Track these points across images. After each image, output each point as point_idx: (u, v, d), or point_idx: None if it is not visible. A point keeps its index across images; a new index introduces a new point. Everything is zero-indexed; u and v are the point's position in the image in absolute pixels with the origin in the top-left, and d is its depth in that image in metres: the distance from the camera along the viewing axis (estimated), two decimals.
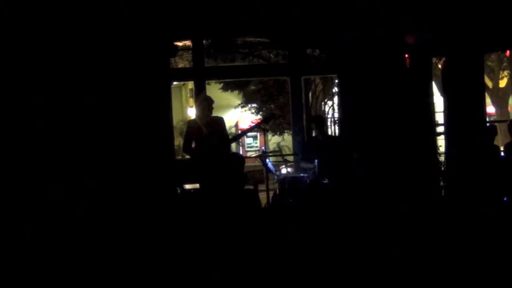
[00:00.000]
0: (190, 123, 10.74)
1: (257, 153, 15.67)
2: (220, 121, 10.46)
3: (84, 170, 4.08)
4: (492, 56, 22.33)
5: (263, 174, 11.84)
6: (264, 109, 25.56)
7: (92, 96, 3.96)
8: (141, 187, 4.11)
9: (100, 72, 3.89)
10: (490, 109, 24.00)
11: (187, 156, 10.89)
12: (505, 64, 22.95)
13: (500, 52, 17.84)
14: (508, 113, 23.38)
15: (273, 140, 27.23)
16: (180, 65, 17.13)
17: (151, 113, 4.04)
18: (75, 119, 3.97)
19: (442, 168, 11.57)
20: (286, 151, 22.54)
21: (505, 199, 10.13)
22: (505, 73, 23.67)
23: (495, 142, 12.50)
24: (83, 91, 3.91)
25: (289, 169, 11.94)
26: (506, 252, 7.15)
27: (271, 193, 11.17)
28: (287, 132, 24.18)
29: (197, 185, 10.44)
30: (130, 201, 4.11)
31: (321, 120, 12.09)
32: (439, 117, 13.57)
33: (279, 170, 11.71)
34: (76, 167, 4.04)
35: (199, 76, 13.18)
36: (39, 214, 4.19)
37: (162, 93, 4.06)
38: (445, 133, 11.63)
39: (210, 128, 10.26)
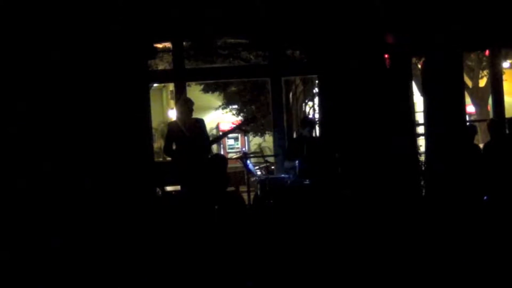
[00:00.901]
0: (171, 125, 10.73)
1: (238, 154, 15.65)
2: (200, 123, 10.47)
3: (59, 172, 4.04)
4: (472, 55, 22.44)
5: (244, 176, 11.84)
6: (245, 110, 25.54)
7: (69, 99, 3.93)
8: (120, 189, 4.08)
9: (78, 74, 3.86)
10: (470, 108, 24.11)
11: (168, 158, 10.88)
12: (484, 63, 23.06)
13: (479, 51, 17.92)
14: (488, 112, 23.47)
15: (254, 141, 27.23)
16: (160, 67, 17.06)
17: (130, 115, 4.01)
18: (51, 122, 3.93)
19: (423, 168, 11.61)
20: (267, 152, 22.54)
21: (485, 198, 10.18)
22: (485, 72, 23.78)
23: (475, 142, 12.57)
24: (59, 94, 3.88)
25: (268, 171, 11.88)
26: (486, 250, 7.18)
27: (252, 194, 11.17)
28: (268, 133, 24.17)
29: (178, 187, 10.42)
30: (108, 203, 4.08)
31: (313, 124, 12.08)
32: (419, 117, 13.62)
33: (259, 171, 11.68)
34: (50, 169, 4.00)
35: (180, 78, 13.14)
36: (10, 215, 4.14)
37: (141, 95, 4.03)
38: (425, 133, 11.66)
39: (191, 130, 10.27)
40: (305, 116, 16.64)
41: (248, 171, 11.39)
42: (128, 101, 3.81)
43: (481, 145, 12.64)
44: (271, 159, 13.21)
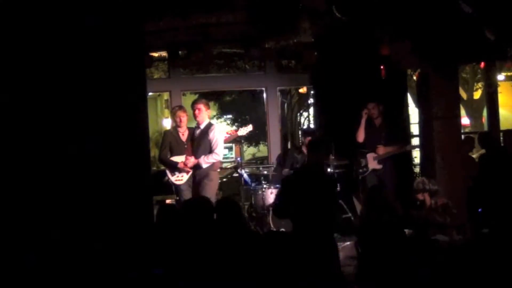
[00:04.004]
0: (167, 134, 10.79)
1: (233, 164, 15.61)
2: (205, 131, 10.59)
3: (53, 182, 3.98)
4: (467, 68, 22.48)
5: (238, 186, 11.81)
6: (239, 120, 25.55)
7: (63, 108, 3.88)
8: (116, 200, 4.03)
9: (73, 83, 3.83)
10: (465, 120, 24.15)
11: (162, 167, 10.87)
12: (479, 76, 23.10)
13: (474, 64, 17.94)
14: (482, 124, 23.53)
15: (249, 151, 27.20)
16: (156, 76, 17.06)
17: (127, 125, 3.98)
18: (47, 131, 3.88)
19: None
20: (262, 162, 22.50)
21: (479, 210, 10.16)
22: (479, 85, 23.83)
23: (472, 154, 12.57)
24: (54, 102, 3.84)
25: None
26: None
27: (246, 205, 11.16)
28: (263, 143, 24.16)
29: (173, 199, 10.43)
30: (103, 214, 4.03)
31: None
32: (414, 129, 13.62)
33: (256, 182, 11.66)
34: (44, 178, 3.94)
35: (175, 87, 13.15)
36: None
37: (138, 104, 4.01)
38: (420, 144, 11.65)
39: (190, 138, 10.38)
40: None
41: (244, 182, 11.37)
42: (126, 110, 3.79)
43: (474, 156, 12.65)
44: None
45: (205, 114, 10.15)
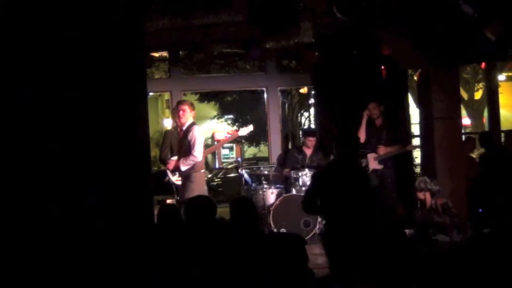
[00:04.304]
0: (167, 134, 10.80)
1: (233, 164, 15.63)
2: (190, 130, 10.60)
3: (53, 183, 3.97)
4: (468, 68, 22.49)
5: (239, 186, 11.82)
6: (240, 120, 25.58)
7: (65, 108, 3.88)
8: (116, 200, 4.02)
9: (72, 83, 3.83)
10: (466, 121, 24.16)
11: (163, 167, 10.88)
12: (480, 76, 23.11)
13: (475, 64, 17.95)
14: (483, 125, 23.54)
15: (249, 151, 27.24)
16: (157, 76, 17.07)
17: (127, 125, 3.97)
18: (46, 131, 3.88)
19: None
20: (263, 162, 22.51)
21: (480, 210, 10.16)
22: (480, 85, 23.85)
23: (472, 154, 12.57)
24: (54, 103, 3.84)
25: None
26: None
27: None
28: (263, 143, 24.18)
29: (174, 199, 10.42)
30: (103, 214, 4.02)
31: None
32: (415, 129, 13.62)
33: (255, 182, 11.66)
34: (45, 179, 3.93)
35: (175, 87, 13.16)
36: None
37: (139, 104, 4.01)
38: (421, 145, 11.65)
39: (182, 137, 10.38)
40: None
41: (245, 182, 11.37)
42: (126, 111, 3.79)
43: (473, 155, 12.64)
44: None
45: (189, 115, 10.02)
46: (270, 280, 5.43)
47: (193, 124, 9.93)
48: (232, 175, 19.59)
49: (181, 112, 9.95)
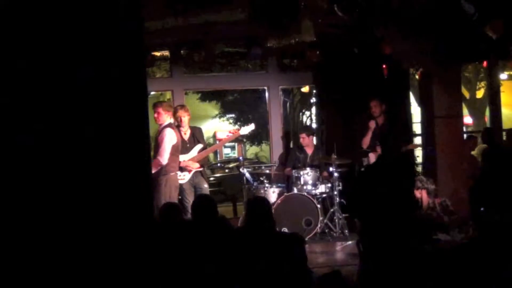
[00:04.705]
0: None
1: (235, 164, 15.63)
2: (198, 131, 10.64)
3: (52, 183, 3.96)
4: (469, 67, 22.48)
5: (240, 185, 11.81)
6: (242, 119, 25.59)
7: (63, 108, 3.87)
8: (115, 201, 4.01)
9: (72, 82, 3.81)
10: (468, 119, 24.15)
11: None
12: (482, 75, 23.11)
13: (477, 63, 17.95)
14: (485, 123, 23.53)
15: (251, 150, 27.25)
16: (158, 75, 17.08)
17: (126, 124, 3.96)
18: (42, 132, 3.86)
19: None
20: (264, 161, 22.53)
21: (482, 209, 10.13)
22: (482, 83, 23.84)
23: (474, 152, 12.55)
24: (53, 103, 3.82)
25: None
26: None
27: None
28: (265, 143, 24.18)
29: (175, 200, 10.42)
30: (102, 215, 4.01)
31: None
32: (417, 128, 13.61)
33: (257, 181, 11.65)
34: (44, 179, 3.92)
35: (177, 86, 13.15)
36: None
37: (139, 104, 4.00)
38: (423, 144, 11.65)
39: (189, 138, 10.42)
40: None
41: (246, 180, 11.36)
42: (125, 110, 3.78)
43: (474, 152, 12.62)
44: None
45: (166, 117, 9.96)
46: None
47: (166, 126, 9.94)
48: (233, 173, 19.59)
49: (155, 115, 9.94)
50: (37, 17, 3.98)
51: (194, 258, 5.69)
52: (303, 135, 11.84)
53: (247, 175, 11.41)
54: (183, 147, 10.39)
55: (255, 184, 11.41)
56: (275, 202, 10.78)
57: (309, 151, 11.71)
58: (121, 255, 4.19)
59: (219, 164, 24.33)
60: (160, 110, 9.94)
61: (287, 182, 11.64)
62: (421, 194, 8.68)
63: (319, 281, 4.02)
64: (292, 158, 11.91)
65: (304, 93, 20.23)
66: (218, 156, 28.65)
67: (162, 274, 5.16)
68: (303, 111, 22.73)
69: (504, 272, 5.66)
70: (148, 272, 4.36)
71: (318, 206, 10.77)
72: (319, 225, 10.68)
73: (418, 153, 12.96)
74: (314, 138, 12.37)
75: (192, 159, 10.38)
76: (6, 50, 3.90)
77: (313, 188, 11.03)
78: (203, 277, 5.58)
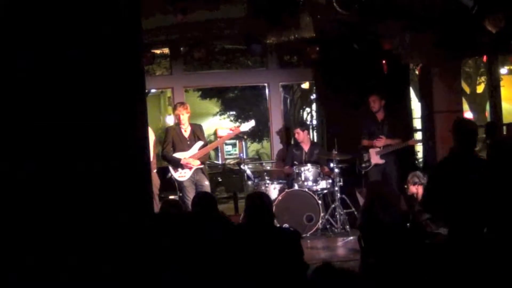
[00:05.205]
0: (169, 130, 10.81)
1: (236, 160, 15.63)
2: (199, 129, 10.65)
3: (52, 183, 3.95)
4: (470, 62, 22.45)
5: (242, 182, 11.83)
6: (242, 116, 25.58)
7: (62, 108, 3.87)
8: (115, 202, 4.01)
9: (69, 81, 3.81)
10: (468, 114, 24.13)
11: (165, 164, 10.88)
12: (482, 69, 23.07)
13: (477, 57, 17.94)
14: (485, 118, 23.50)
15: (252, 147, 27.24)
16: (158, 73, 17.07)
17: (126, 124, 3.96)
18: (40, 126, 3.86)
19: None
20: (265, 158, 22.53)
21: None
22: (482, 78, 23.80)
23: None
24: (51, 102, 3.82)
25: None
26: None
27: None
28: (266, 139, 24.18)
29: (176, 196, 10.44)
30: (102, 214, 4.01)
31: None
32: (417, 123, 13.62)
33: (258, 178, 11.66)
34: (36, 177, 3.91)
35: (177, 84, 13.17)
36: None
37: (137, 102, 3.99)
38: (423, 139, 11.64)
39: (189, 135, 10.43)
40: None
41: (247, 177, 11.37)
42: (122, 108, 3.77)
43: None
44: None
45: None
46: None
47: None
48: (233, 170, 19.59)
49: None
50: (34, 12, 3.98)
51: (193, 253, 5.70)
52: (298, 130, 11.81)
53: (248, 172, 11.42)
54: (183, 144, 10.41)
55: (256, 180, 11.42)
56: (276, 198, 10.79)
57: (306, 147, 11.69)
58: (120, 250, 4.20)
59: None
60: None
61: (288, 178, 11.63)
62: (417, 190, 8.69)
63: (312, 275, 4.01)
64: (289, 155, 11.90)
65: (304, 90, 20.22)
66: (220, 153, 28.63)
67: (162, 268, 5.17)
68: (304, 107, 22.72)
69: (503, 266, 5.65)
70: (148, 267, 4.37)
71: (319, 202, 10.78)
72: (320, 221, 10.68)
73: (419, 148, 12.98)
74: (315, 134, 12.38)
75: (192, 156, 10.38)
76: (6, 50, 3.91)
77: (314, 184, 11.04)
78: (202, 271, 5.58)
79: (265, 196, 6.40)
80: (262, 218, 6.03)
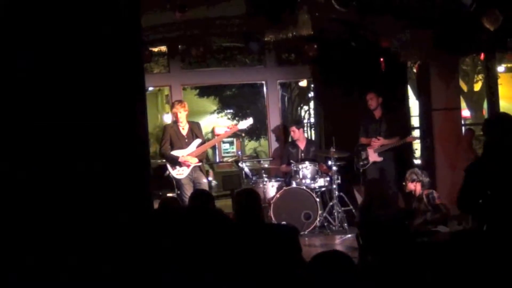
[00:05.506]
0: (167, 128, 10.80)
1: (234, 158, 15.63)
2: (197, 127, 10.65)
3: (51, 183, 3.95)
4: (467, 59, 22.44)
5: (239, 180, 11.83)
6: (240, 114, 25.56)
7: (61, 107, 3.86)
8: (114, 200, 4.00)
9: (67, 79, 3.81)
10: (465, 112, 24.13)
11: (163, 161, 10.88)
12: (479, 67, 23.08)
13: (474, 55, 17.93)
14: (483, 116, 23.50)
15: (250, 145, 27.21)
16: (156, 71, 17.06)
17: (125, 122, 3.96)
18: (42, 131, 3.85)
19: None
20: (263, 156, 22.51)
21: (480, 201, 10.12)
22: (480, 76, 23.80)
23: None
24: (49, 100, 3.81)
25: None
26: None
27: None
28: (263, 137, 24.16)
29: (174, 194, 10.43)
30: (101, 213, 4.01)
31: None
32: (415, 121, 13.61)
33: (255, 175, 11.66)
34: (36, 176, 3.91)
35: (175, 81, 13.16)
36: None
37: (137, 100, 3.99)
38: (421, 137, 11.65)
39: (187, 133, 10.43)
40: None
41: (245, 175, 11.37)
42: (123, 106, 3.76)
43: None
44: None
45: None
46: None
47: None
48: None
49: None
50: (34, 12, 3.97)
51: (191, 251, 5.69)
52: (293, 128, 11.83)
53: (246, 169, 11.42)
54: (181, 142, 10.41)
55: (253, 178, 11.43)
56: (274, 196, 10.80)
57: (301, 145, 11.70)
58: (120, 250, 4.20)
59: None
60: None
61: (286, 176, 11.64)
62: (415, 187, 8.72)
63: (314, 261, 3.96)
64: (286, 154, 11.91)
65: (302, 87, 20.20)
66: (217, 151, 28.60)
67: (162, 268, 5.16)
68: (301, 105, 22.70)
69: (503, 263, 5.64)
70: (148, 267, 4.37)
71: (317, 199, 10.79)
72: (318, 219, 10.69)
73: (417, 146, 12.97)
74: (313, 132, 12.38)
75: (190, 154, 10.38)
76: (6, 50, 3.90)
77: (312, 182, 11.04)
78: (201, 270, 5.57)
79: (252, 193, 6.39)
80: (250, 215, 6.04)
